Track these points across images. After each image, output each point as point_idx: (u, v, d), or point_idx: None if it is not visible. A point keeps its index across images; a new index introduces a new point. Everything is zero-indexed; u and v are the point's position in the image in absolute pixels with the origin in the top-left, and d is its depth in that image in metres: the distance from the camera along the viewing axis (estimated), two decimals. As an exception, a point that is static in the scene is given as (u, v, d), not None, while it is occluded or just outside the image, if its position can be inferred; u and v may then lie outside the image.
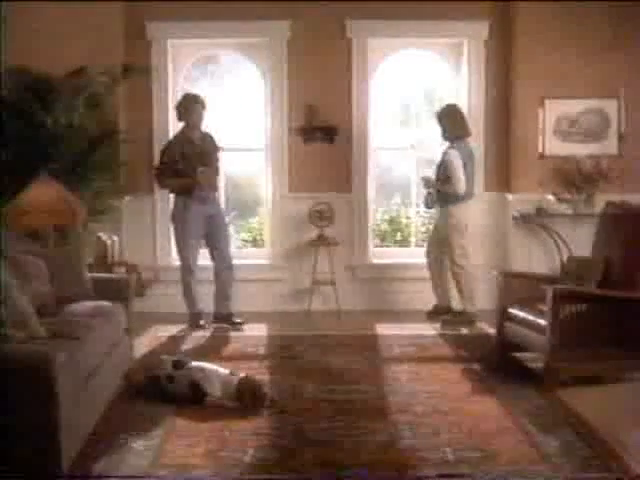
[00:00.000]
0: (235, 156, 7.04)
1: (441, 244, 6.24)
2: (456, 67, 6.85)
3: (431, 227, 6.71)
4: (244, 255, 7.00)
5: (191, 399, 4.09)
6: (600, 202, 5.63)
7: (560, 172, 6.46)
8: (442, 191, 6.11)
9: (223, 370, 4.19)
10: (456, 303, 6.29)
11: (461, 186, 6.01)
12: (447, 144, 6.20)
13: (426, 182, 6.26)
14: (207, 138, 6.11)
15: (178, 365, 4.23)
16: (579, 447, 3.47)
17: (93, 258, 5.73)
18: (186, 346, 5.50)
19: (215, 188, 6.17)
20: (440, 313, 6.24)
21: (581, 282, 4.72)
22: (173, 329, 5.91)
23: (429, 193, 6.25)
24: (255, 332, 5.82)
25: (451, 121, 6.16)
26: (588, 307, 4.43)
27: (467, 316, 6.11)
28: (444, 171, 6.09)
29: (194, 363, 4.27)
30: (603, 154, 6.49)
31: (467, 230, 6.16)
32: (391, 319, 6.32)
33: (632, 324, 4.44)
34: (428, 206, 6.38)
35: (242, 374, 4.14)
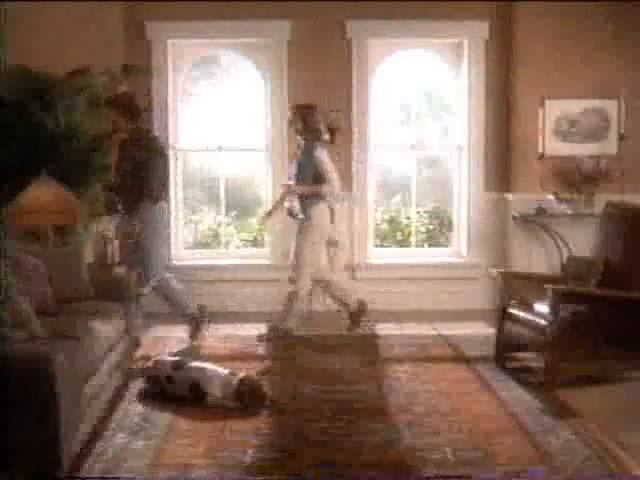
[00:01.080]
0: (235, 156, 7.05)
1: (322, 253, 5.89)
2: (456, 67, 6.85)
3: (432, 228, 6.70)
4: (244, 255, 7.00)
5: (191, 399, 4.09)
6: (600, 202, 5.63)
7: (560, 172, 6.46)
8: (313, 193, 5.63)
9: (223, 370, 4.19)
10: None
11: (338, 185, 5.68)
12: (305, 142, 5.72)
13: (289, 189, 5.77)
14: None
15: (178, 365, 4.23)
16: (579, 447, 3.48)
17: (93, 258, 5.73)
18: (185, 346, 5.49)
19: None
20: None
21: (581, 282, 4.72)
22: (173, 329, 5.90)
23: (292, 200, 5.76)
24: (255, 332, 5.82)
25: (315, 120, 5.71)
26: (588, 307, 4.43)
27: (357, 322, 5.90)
28: (312, 171, 5.63)
29: (194, 363, 4.27)
30: (603, 154, 6.49)
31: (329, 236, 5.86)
32: (391, 319, 6.31)
33: (632, 324, 4.44)
34: (295, 215, 5.76)
35: (242, 374, 4.14)
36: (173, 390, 4.17)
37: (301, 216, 5.70)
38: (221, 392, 4.07)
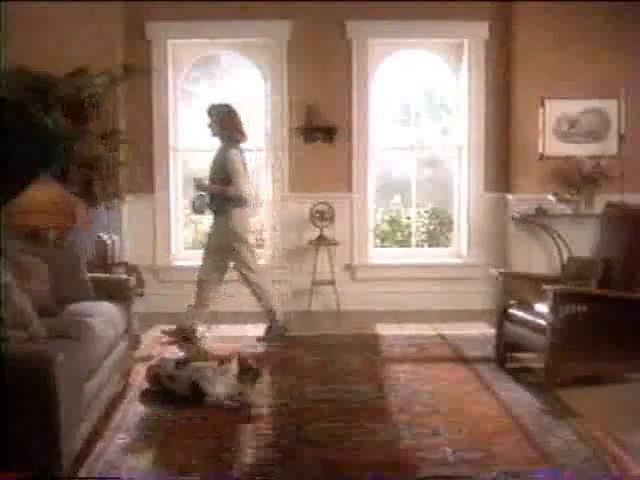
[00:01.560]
0: (235, 156, 7.04)
1: (221, 256, 5.69)
2: (456, 67, 6.86)
3: (432, 228, 6.71)
4: (244, 255, 7.00)
5: (191, 399, 4.10)
6: (600, 202, 5.64)
7: (560, 172, 6.46)
8: (220, 194, 5.54)
9: (221, 367, 4.21)
10: None
11: (245, 189, 5.54)
12: (222, 143, 5.68)
13: (198, 184, 5.68)
14: None
15: (180, 365, 4.24)
16: (579, 447, 3.47)
17: (93, 258, 5.73)
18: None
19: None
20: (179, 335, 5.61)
21: (581, 282, 4.72)
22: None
23: (200, 195, 5.64)
24: (255, 332, 5.81)
25: (232, 122, 5.64)
26: (588, 307, 4.42)
27: (276, 330, 5.67)
28: (223, 172, 5.54)
29: (196, 363, 4.27)
30: (603, 154, 6.49)
31: (249, 240, 5.75)
32: (391, 319, 6.32)
33: (632, 324, 4.44)
34: (198, 211, 5.74)
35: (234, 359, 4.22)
36: (174, 389, 4.18)
37: (204, 211, 5.70)
38: (223, 389, 4.07)
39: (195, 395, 4.10)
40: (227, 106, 5.71)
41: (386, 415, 3.96)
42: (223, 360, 4.25)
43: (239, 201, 5.55)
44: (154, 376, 4.29)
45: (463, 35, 6.74)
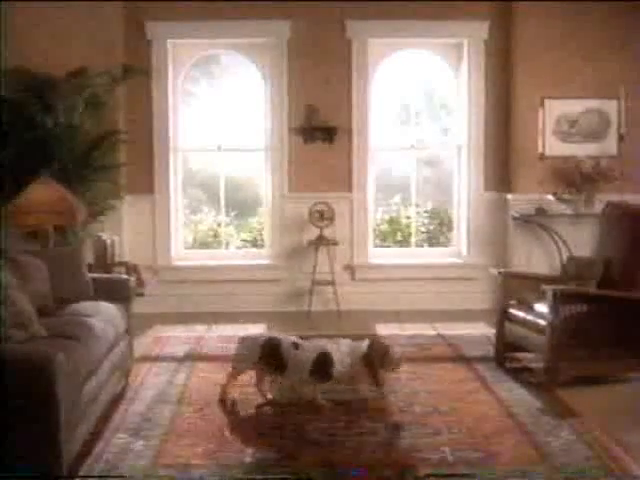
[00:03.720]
0: (235, 156, 7.06)
1: None
2: (456, 67, 6.86)
3: (432, 228, 6.70)
4: (244, 255, 7.01)
5: (314, 372, 3.94)
6: (600, 202, 5.64)
7: (560, 172, 6.46)
8: None
9: (347, 340, 4.07)
10: None
11: None
12: None
13: None
14: None
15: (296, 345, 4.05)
16: (579, 447, 3.47)
17: (93, 258, 5.73)
18: (185, 346, 5.48)
19: None
20: None
21: (581, 282, 4.72)
22: (173, 329, 5.91)
23: None
24: (255, 332, 5.81)
25: None
26: (588, 307, 4.43)
27: None
28: None
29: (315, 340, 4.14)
30: (603, 154, 6.50)
31: None
32: (391, 319, 6.32)
33: (632, 324, 4.44)
34: None
35: (368, 340, 4.04)
36: (296, 358, 3.96)
37: None
38: (349, 358, 3.96)
39: (320, 366, 3.94)
40: None
41: (386, 415, 3.96)
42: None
43: None
44: (273, 344, 4.02)
45: (463, 35, 6.74)
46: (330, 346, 4.01)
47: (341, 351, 3.98)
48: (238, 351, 4.13)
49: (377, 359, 3.97)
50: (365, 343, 4.01)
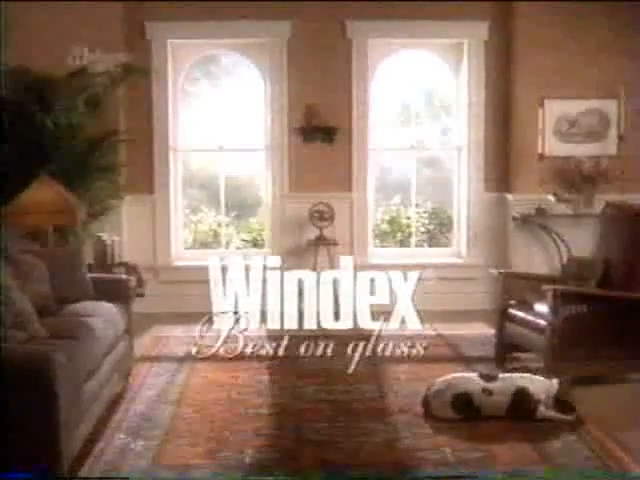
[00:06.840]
0: (235, 156, 7.05)
1: None
2: (456, 67, 6.86)
3: (432, 228, 6.69)
4: (244, 255, 6.99)
5: (513, 410, 3.80)
6: (600, 202, 5.64)
7: (560, 172, 6.46)
8: None
9: (537, 377, 3.97)
10: None
11: None
12: None
13: None
14: None
15: (489, 378, 3.94)
16: (579, 447, 3.48)
17: (93, 258, 5.73)
18: (185, 347, 5.47)
19: None
20: None
21: (581, 282, 4.72)
22: (173, 329, 5.90)
23: None
24: (255, 332, 5.81)
25: None
26: (588, 307, 4.43)
27: None
28: None
29: (507, 374, 4.04)
30: (603, 154, 6.49)
31: None
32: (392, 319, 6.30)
33: (632, 324, 4.44)
34: None
35: (555, 379, 3.94)
36: (491, 404, 3.82)
37: None
38: (545, 396, 3.84)
39: (517, 405, 3.80)
40: None
41: (386, 415, 3.96)
42: None
43: None
44: (461, 398, 3.82)
45: (463, 35, 6.73)
46: (523, 380, 3.89)
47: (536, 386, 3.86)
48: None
49: (566, 404, 3.86)
50: (555, 381, 3.91)
